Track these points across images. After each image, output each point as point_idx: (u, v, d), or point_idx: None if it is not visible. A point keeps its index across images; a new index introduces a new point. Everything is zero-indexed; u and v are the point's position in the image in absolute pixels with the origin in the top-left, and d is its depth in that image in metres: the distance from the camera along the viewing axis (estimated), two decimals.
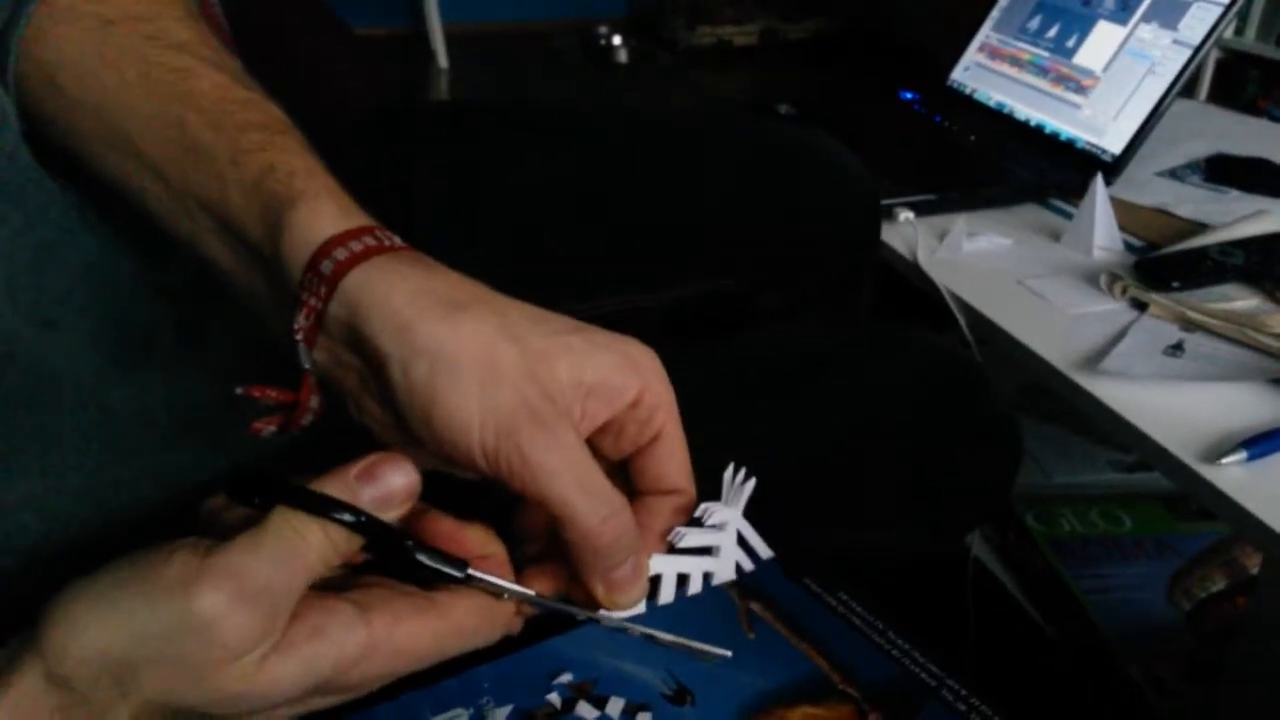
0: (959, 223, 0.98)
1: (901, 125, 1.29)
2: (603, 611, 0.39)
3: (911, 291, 0.94)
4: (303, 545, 0.33)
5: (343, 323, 0.35)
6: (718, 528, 0.42)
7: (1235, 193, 1.09)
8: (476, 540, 0.39)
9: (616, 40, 3.57)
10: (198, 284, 0.47)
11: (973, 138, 1.21)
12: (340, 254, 0.35)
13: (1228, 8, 1.05)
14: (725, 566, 0.42)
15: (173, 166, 0.38)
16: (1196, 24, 1.07)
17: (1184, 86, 1.07)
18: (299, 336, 0.36)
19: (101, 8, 0.40)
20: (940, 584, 1.00)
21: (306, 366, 0.37)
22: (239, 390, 0.38)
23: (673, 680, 0.47)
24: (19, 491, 0.41)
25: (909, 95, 1.36)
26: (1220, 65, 2.58)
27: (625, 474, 0.42)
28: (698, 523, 0.41)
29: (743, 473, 0.42)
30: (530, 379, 0.35)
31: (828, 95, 1.42)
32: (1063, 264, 0.93)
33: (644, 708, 0.46)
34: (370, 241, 0.36)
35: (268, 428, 0.38)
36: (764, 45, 3.91)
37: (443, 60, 3.35)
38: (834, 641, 0.49)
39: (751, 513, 0.43)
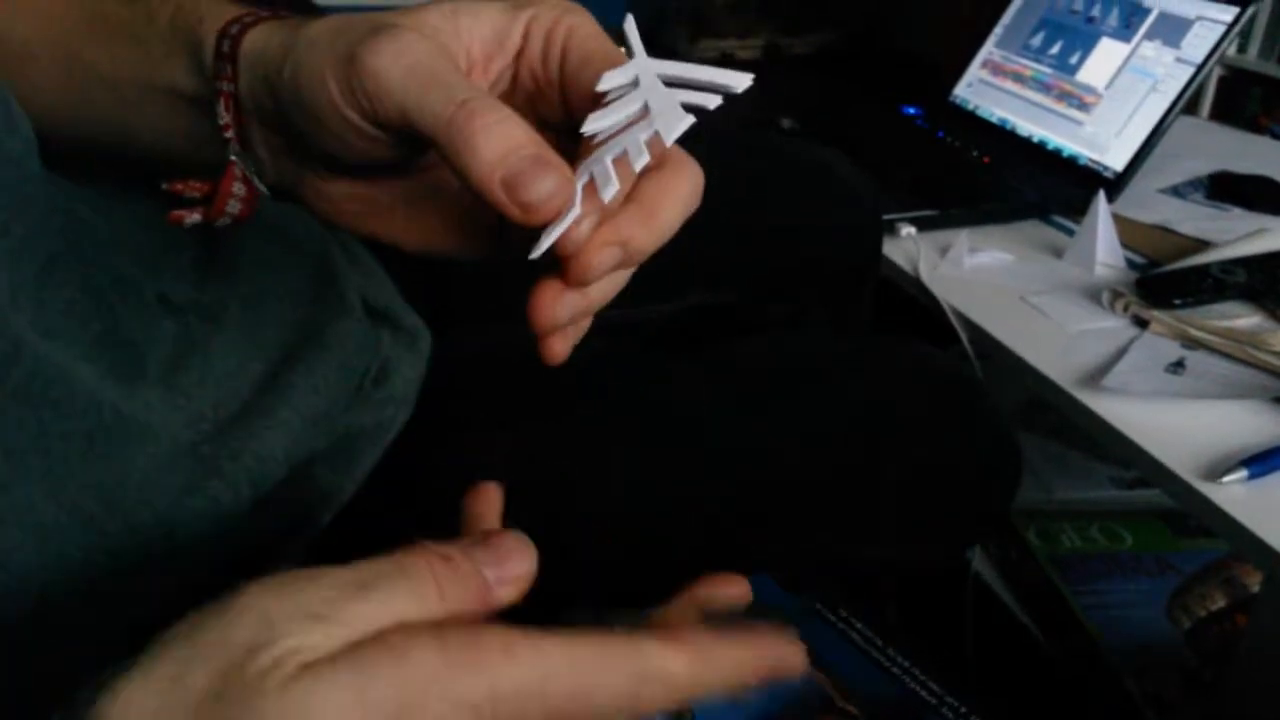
0: (961, 238, 0.98)
1: (904, 140, 1.29)
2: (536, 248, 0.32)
3: (913, 306, 0.94)
4: None
5: (251, 89, 0.36)
6: (630, 86, 0.33)
7: (1237, 210, 1.09)
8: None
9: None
10: (197, 296, 0.48)
11: (975, 153, 1.21)
12: (234, 29, 0.37)
13: (1230, 26, 1.06)
14: (671, 117, 0.32)
15: (106, 59, 0.40)
16: (1199, 42, 1.08)
17: (1186, 104, 1.07)
18: (226, 130, 0.37)
19: None
20: (941, 599, 1.00)
21: (232, 158, 0.38)
22: (164, 185, 0.38)
23: None
24: (15, 496, 0.41)
25: (912, 110, 1.36)
26: (1222, 83, 2.58)
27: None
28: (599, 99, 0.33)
29: (629, 20, 0.35)
30: (378, 21, 0.34)
31: (830, 109, 1.42)
32: (1064, 280, 0.93)
33: None
34: (261, 14, 0.37)
35: (190, 217, 0.39)
36: (767, 59, 3.92)
37: None
38: (835, 659, 0.49)
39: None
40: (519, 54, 0.36)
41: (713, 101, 0.32)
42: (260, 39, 0.37)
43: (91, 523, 0.43)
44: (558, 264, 0.33)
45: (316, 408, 0.51)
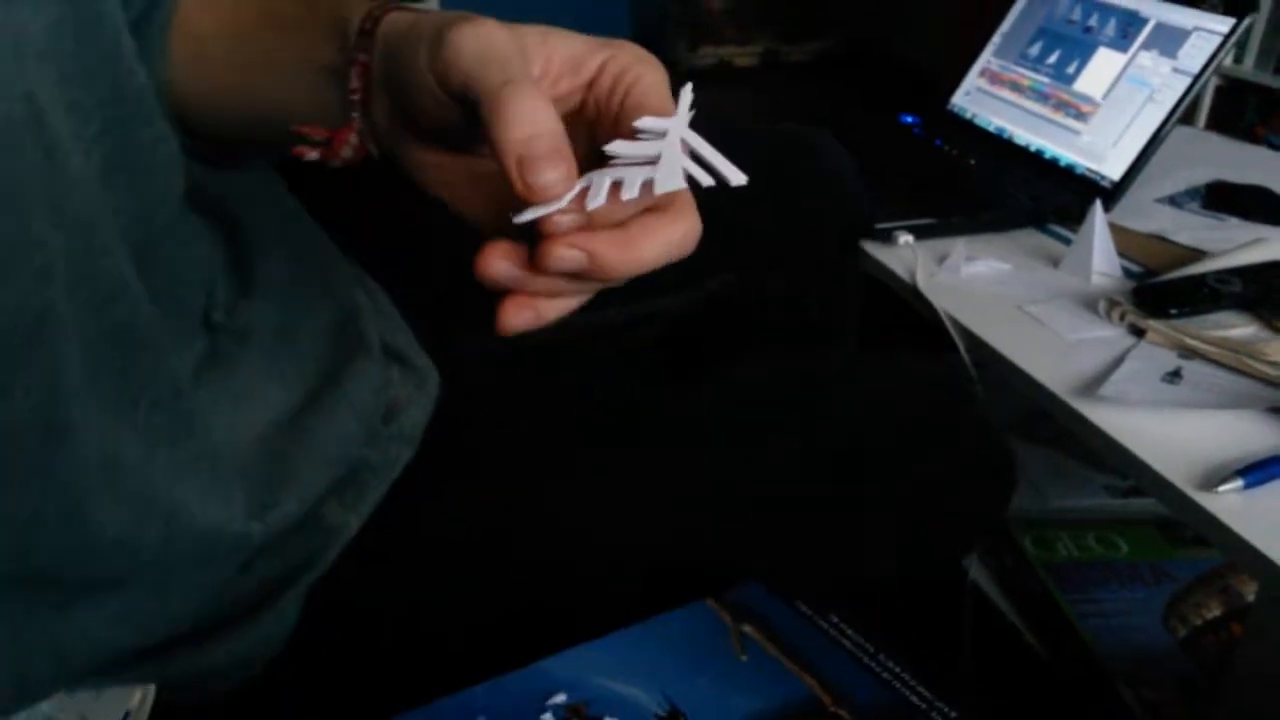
0: (958, 246, 0.98)
1: (902, 148, 1.30)
2: (528, 211, 0.36)
3: (909, 315, 0.94)
4: None
5: (380, 61, 0.43)
6: (657, 135, 0.38)
7: (1234, 220, 1.09)
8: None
9: None
10: (230, 316, 0.52)
11: (973, 162, 1.21)
12: (376, 12, 0.43)
13: (1227, 37, 1.06)
14: (670, 174, 0.37)
15: (275, 46, 0.47)
16: (1196, 52, 1.08)
17: (1183, 114, 1.08)
18: (354, 94, 0.43)
19: None
20: (937, 608, 1.00)
21: (354, 115, 0.44)
22: (292, 128, 0.45)
23: (666, 702, 0.47)
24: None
25: (909, 119, 1.36)
26: (1219, 93, 2.59)
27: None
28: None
29: (688, 88, 0.40)
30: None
31: (828, 117, 1.42)
32: (1061, 289, 0.94)
33: None
34: (402, 4, 0.44)
35: (310, 154, 0.45)
36: (765, 66, 3.93)
37: None
38: (826, 664, 0.49)
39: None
40: (591, 82, 0.41)
41: (707, 181, 0.38)
42: (395, 19, 0.43)
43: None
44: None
45: (331, 450, 0.54)
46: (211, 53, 0.48)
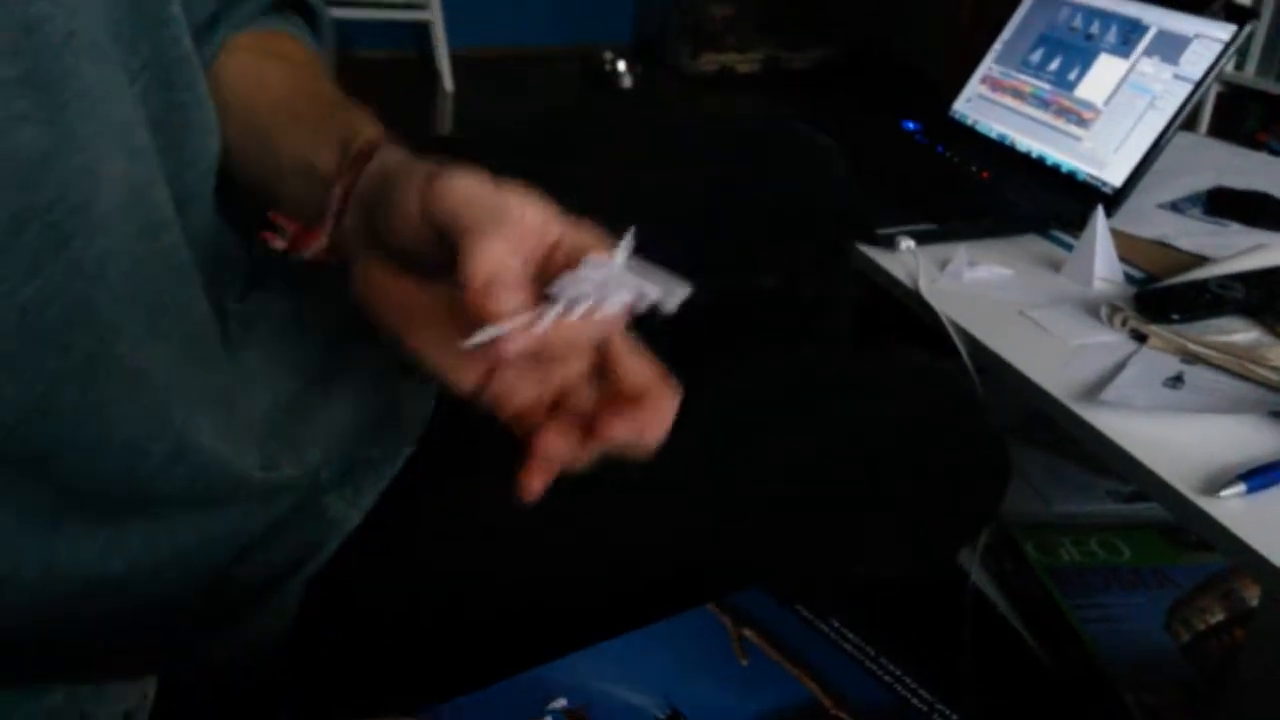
0: (960, 252, 0.98)
1: (903, 155, 1.30)
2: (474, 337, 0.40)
3: (911, 321, 0.94)
4: None
5: (366, 183, 0.48)
6: (602, 266, 0.42)
7: (1235, 226, 1.09)
8: None
9: (621, 66, 3.59)
10: (241, 303, 0.54)
11: (974, 168, 1.22)
12: (374, 142, 0.49)
13: (1228, 43, 1.06)
14: (612, 302, 0.41)
15: (287, 144, 0.53)
16: (1197, 59, 1.08)
17: (1185, 120, 1.08)
18: (335, 204, 0.49)
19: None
20: (939, 612, 1.00)
21: (331, 215, 0.49)
22: (269, 214, 0.52)
23: (666, 705, 0.47)
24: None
25: (911, 125, 1.36)
26: (1221, 99, 2.60)
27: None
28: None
29: (630, 234, 0.43)
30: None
31: (829, 123, 1.43)
32: (1063, 295, 0.94)
33: None
34: (398, 140, 0.49)
35: (276, 241, 0.51)
36: (767, 73, 3.94)
37: (448, 84, 3.37)
38: (827, 668, 0.49)
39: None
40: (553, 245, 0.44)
41: (647, 302, 0.41)
42: (388, 154, 0.48)
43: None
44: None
45: (334, 429, 0.55)
46: (233, 112, 0.54)
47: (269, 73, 0.57)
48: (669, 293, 0.41)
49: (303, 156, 0.51)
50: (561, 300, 0.41)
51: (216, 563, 0.50)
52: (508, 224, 0.41)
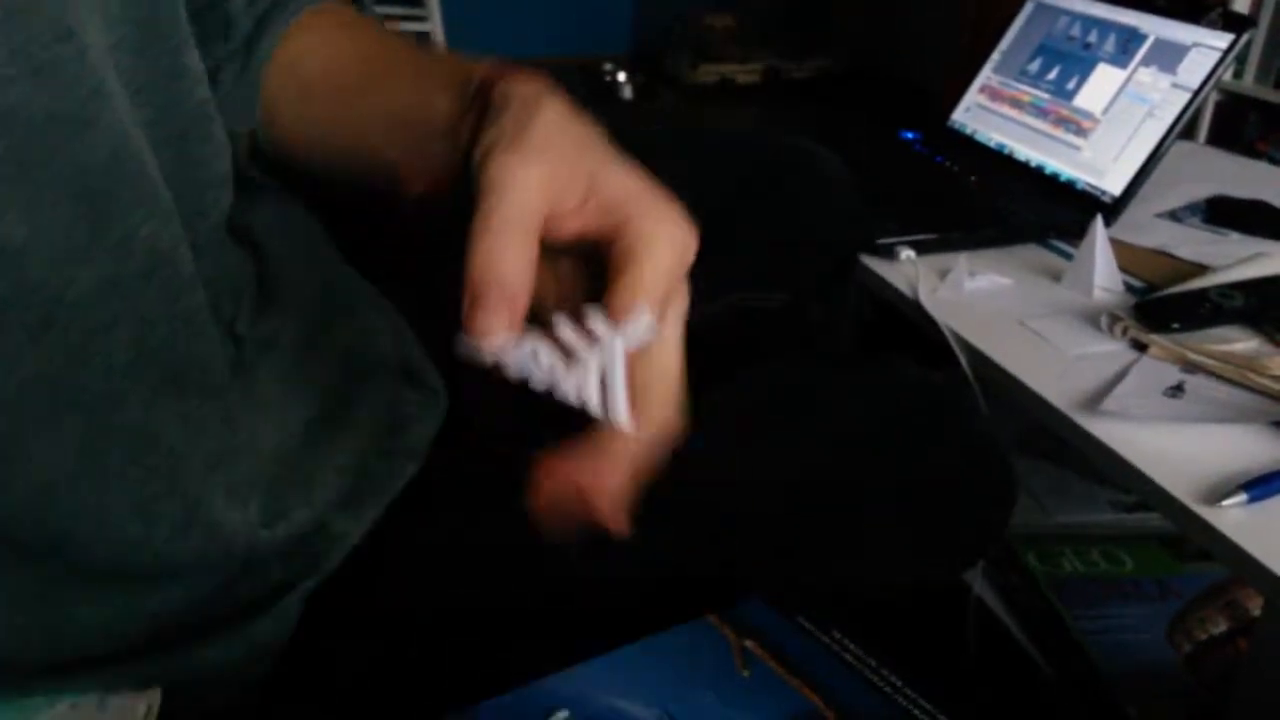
0: (960, 262, 0.98)
1: (902, 165, 1.30)
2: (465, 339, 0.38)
3: (911, 331, 0.94)
4: None
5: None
6: (592, 336, 0.39)
7: (1235, 235, 1.09)
8: None
9: (621, 77, 3.60)
10: (252, 328, 0.53)
11: (973, 178, 1.22)
12: (493, 75, 0.46)
13: (1226, 52, 1.07)
14: (575, 385, 0.39)
15: (384, 99, 0.51)
16: (1195, 68, 1.08)
17: (1183, 129, 1.08)
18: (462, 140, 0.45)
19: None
20: (941, 622, 1.00)
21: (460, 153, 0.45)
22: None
23: (668, 717, 0.47)
24: None
25: (910, 135, 1.37)
26: (1219, 108, 2.60)
27: None
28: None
29: (648, 317, 0.40)
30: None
31: (829, 134, 1.43)
32: (1063, 304, 0.94)
33: None
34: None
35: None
36: (766, 84, 3.95)
37: None
38: (829, 679, 0.49)
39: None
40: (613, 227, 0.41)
41: (595, 413, 0.39)
42: (510, 86, 0.45)
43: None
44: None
45: (342, 462, 0.55)
46: (315, 85, 0.53)
47: (343, 39, 0.57)
48: (609, 412, 0.39)
49: (410, 106, 0.50)
50: (547, 342, 0.39)
51: (208, 587, 0.50)
52: (515, 219, 0.38)
